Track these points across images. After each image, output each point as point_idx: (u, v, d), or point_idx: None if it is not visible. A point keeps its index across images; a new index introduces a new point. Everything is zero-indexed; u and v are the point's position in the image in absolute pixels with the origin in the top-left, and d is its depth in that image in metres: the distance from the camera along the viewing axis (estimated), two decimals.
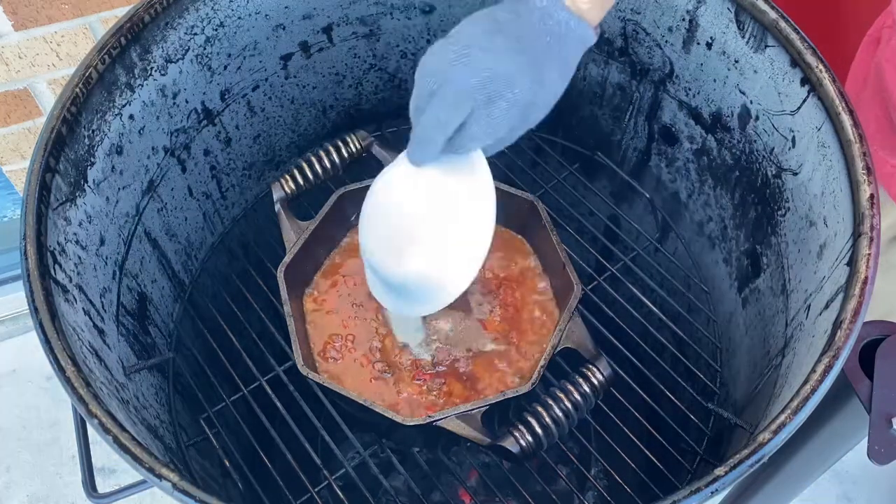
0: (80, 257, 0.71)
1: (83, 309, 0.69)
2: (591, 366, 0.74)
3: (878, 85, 0.82)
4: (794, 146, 0.75)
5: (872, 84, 0.83)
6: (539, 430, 0.70)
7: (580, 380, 0.73)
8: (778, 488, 0.88)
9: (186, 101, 0.85)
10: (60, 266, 0.66)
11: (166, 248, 0.89)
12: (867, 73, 0.86)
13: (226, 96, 0.90)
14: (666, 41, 0.86)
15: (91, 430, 0.60)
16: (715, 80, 0.83)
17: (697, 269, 0.98)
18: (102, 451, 0.64)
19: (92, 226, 0.74)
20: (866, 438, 0.64)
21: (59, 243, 0.67)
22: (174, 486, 0.54)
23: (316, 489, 0.77)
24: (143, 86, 0.79)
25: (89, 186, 0.73)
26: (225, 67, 0.88)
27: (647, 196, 1.02)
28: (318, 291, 0.85)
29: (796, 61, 0.72)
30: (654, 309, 0.89)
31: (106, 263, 0.76)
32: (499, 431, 0.72)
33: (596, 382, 0.73)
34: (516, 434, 0.70)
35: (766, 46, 0.75)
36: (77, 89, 0.71)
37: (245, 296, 0.91)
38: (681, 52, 0.85)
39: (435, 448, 0.98)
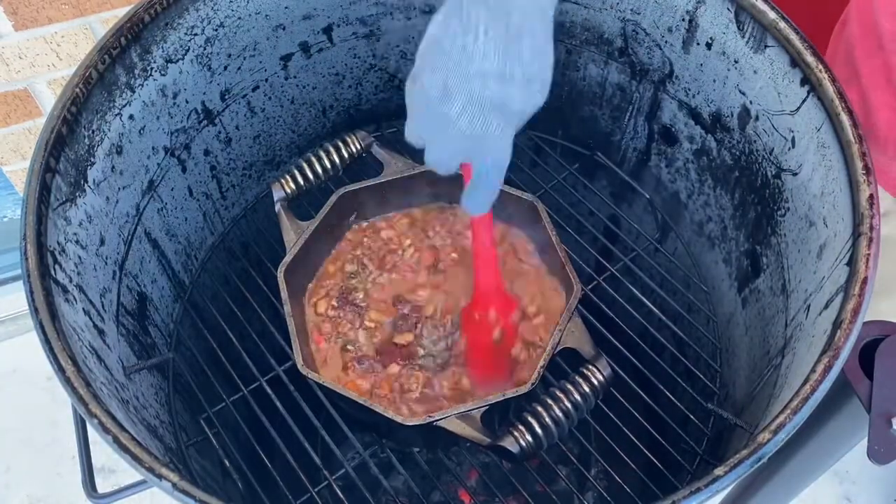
0: (80, 257, 0.71)
1: (83, 309, 0.69)
2: (590, 366, 0.74)
3: (849, 66, 0.83)
4: (793, 146, 0.75)
5: (843, 63, 0.84)
6: (539, 430, 0.70)
7: (580, 380, 0.73)
8: (778, 488, 0.88)
9: (186, 101, 0.85)
10: (60, 266, 0.66)
11: (166, 248, 0.89)
12: (836, 55, 0.86)
13: (226, 96, 0.90)
14: (666, 41, 0.86)
15: (91, 430, 0.60)
16: (715, 81, 0.83)
17: (697, 269, 0.98)
18: (102, 451, 0.64)
19: (92, 226, 0.74)
20: (866, 438, 0.64)
21: (59, 243, 0.67)
22: (174, 486, 0.54)
23: (316, 489, 0.77)
24: (143, 86, 0.79)
25: (89, 186, 0.73)
26: (225, 68, 0.88)
27: (647, 196, 1.02)
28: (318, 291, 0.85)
29: (796, 61, 0.72)
30: (654, 309, 0.89)
31: (106, 263, 0.76)
32: (499, 431, 0.72)
33: (596, 382, 0.73)
34: (516, 434, 0.70)
35: (766, 47, 0.75)
36: (77, 89, 0.71)
37: (245, 296, 0.91)
38: (680, 53, 0.86)
39: (435, 448, 0.98)
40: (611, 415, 0.81)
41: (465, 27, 0.49)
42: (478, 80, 0.50)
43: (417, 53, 0.54)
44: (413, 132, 0.55)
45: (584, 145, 1.05)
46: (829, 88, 0.69)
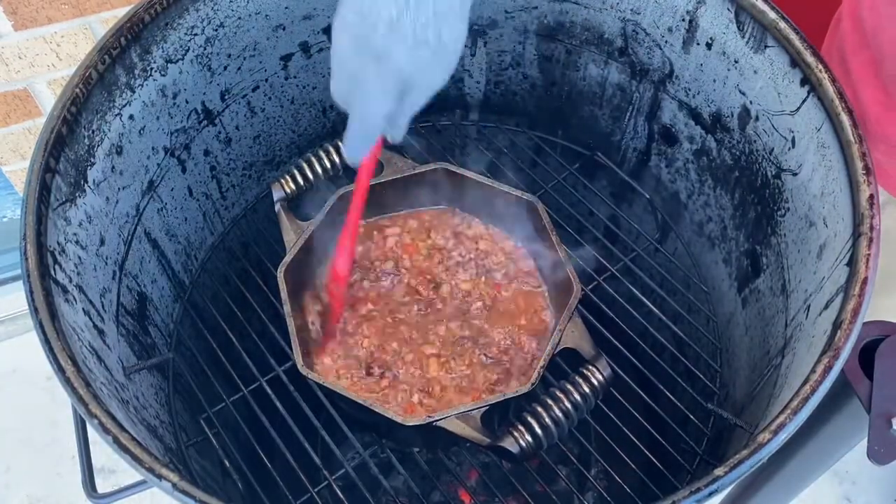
0: (80, 257, 0.71)
1: (83, 309, 0.69)
2: (590, 366, 0.74)
3: (841, 63, 0.83)
4: (793, 146, 0.75)
5: (836, 62, 0.84)
6: (539, 431, 0.70)
7: (580, 380, 0.73)
8: (778, 488, 0.88)
9: (186, 102, 0.85)
10: (60, 266, 0.66)
11: (166, 248, 0.89)
12: (830, 54, 0.86)
13: (226, 96, 0.90)
14: (666, 41, 0.86)
15: (91, 430, 0.60)
16: (715, 81, 0.83)
17: (697, 269, 0.98)
18: (102, 451, 0.64)
19: (92, 226, 0.74)
20: (866, 438, 0.64)
21: (59, 243, 0.67)
22: (174, 486, 0.54)
23: (316, 489, 0.77)
24: (143, 86, 0.79)
25: (89, 186, 0.73)
26: (225, 68, 0.88)
27: (647, 196, 1.02)
28: (318, 291, 0.85)
29: (796, 61, 0.72)
30: (654, 309, 0.89)
31: (106, 263, 0.76)
32: (499, 431, 0.72)
33: (595, 383, 0.73)
34: (516, 434, 0.70)
35: (766, 47, 0.75)
36: (77, 89, 0.71)
37: (245, 296, 0.91)
38: (680, 53, 0.86)
39: (435, 448, 0.98)
40: (611, 415, 0.81)
41: None
42: (369, 25, 0.51)
43: None
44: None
45: (584, 145, 1.05)
46: (830, 88, 0.69)
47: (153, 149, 0.83)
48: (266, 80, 0.93)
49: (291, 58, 0.93)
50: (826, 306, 0.66)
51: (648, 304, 0.89)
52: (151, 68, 0.79)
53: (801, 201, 0.75)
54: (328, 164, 0.89)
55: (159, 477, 0.55)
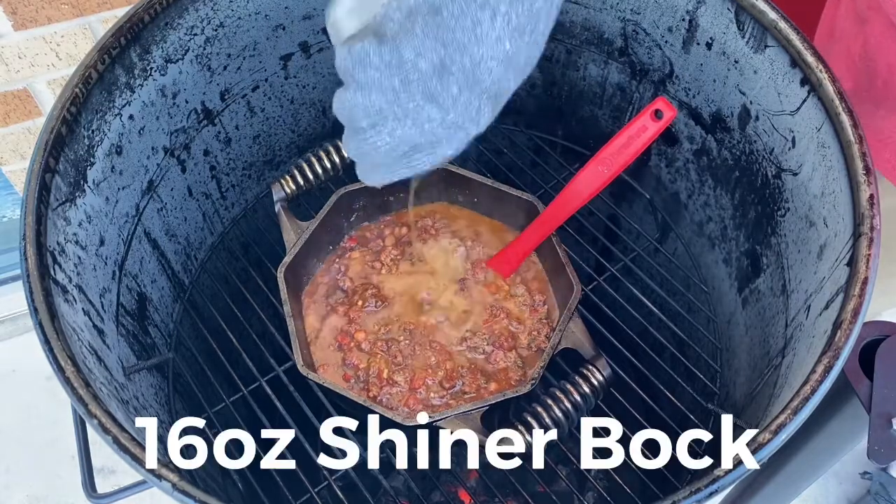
0: (79, 257, 0.71)
1: (83, 309, 0.69)
2: (590, 366, 0.74)
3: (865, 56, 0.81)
4: (793, 146, 0.75)
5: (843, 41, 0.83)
6: (539, 431, 0.70)
7: (580, 380, 0.73)
8: (778, 488, 0.88)
9: (186, 102, 0.85)
10: (60, 266, 0.66)
11: (166, 248, 0.89)
12: (833, 27, 0.85)
13: (226, 96, 0.90)
14: (666, 41, 0.86)
15: (91, 430, 0.60)
16: (715, 81, 0.83)
17: (697, 269, 0.98)
18: (102, 451, 0.64)
19: (92, 226, 0.73)
20: (866, 438, 0.64)
21: (58, 243, 0.67)
22: (174, 486, 0.54)
23: (316, 489, 0.77)
24: (142, 86, 0.79)
25: (89, 186, 0.73)
26: (225, 68, 0.88)
27: (647, 196, 1.02)
28: (318, 291, 0.85)
29: (796, 61, 0.72)
30: (654, 309, 0.89)
31: (106, 263, 0.76)
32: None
33: (596, 383, 0.73)
34: None
35: (766, 47, 0.75)
36: (77, 89, 0.71)
37: (245, 296, 0.91)
38: (681, 53, 0.85)
39: (435, 448, 0.97)
40: (611, 415, 0.81)
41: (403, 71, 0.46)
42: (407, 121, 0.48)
43: None
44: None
45: (584, 145, 1.05)
46: (830, 88, 0.69)
47: (153, 149, 0.83)
48: (266, 79, 0.93)
49: (291, 58, 0.93)
50: (826, 306, 0.66)
51: (648, 304, 0.89)
52: (151, 68, 0.79)
53: (802, 201, 0.75)
54: (328, 164, 0.89)
55: (159, 477, 0.55)
